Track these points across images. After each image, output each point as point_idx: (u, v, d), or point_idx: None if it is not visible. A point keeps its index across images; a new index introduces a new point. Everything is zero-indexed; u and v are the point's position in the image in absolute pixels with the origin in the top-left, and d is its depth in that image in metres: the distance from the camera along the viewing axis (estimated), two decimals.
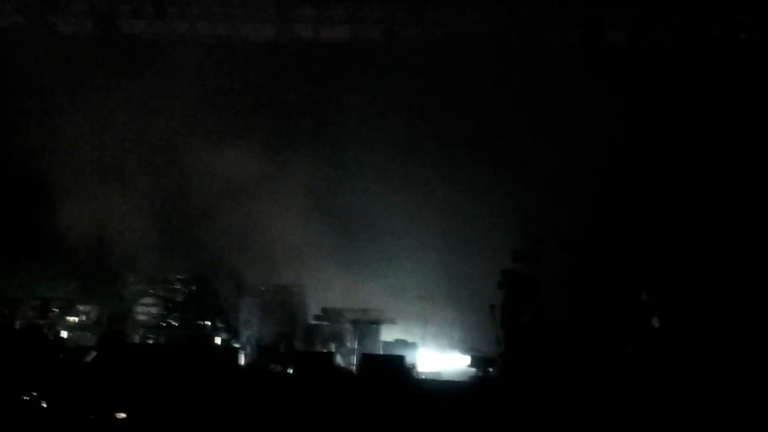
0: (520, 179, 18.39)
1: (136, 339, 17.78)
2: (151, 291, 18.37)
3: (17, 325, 17.87)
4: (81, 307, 18.46)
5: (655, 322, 16.08)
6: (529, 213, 18.07)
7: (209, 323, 18.30)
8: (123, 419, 13.44)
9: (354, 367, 15.97)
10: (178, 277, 18.56)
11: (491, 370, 15.92)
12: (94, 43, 20.63)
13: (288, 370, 15.90)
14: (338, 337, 17.20)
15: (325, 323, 17.60)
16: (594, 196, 18.18)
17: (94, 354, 15.89)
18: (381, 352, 16.95)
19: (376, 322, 17.43)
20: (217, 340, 17.59)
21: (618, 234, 17.84)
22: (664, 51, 19.28)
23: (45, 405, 13.89)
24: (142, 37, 21.17)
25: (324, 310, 17.70)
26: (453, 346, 17.72)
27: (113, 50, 20.29)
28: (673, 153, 18.32)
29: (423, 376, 16.12)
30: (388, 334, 17.71)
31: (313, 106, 20.10)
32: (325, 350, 16.83)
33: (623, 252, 17.41)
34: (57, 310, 18.28)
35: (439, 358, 17.41)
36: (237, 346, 17.27)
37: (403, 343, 17.34)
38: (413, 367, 15.97)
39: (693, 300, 16.14)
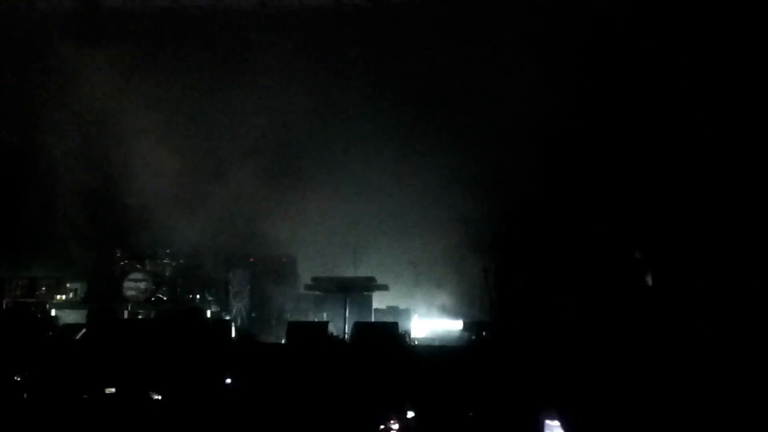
0: (510, 140, 18.15)
1: (126, 315, 17.65)
2: (138, 266, 18.23)
3: (5, 304, 17.71)
4: (69, 285, 18.34)
5: (649, 280, 16.00)
6: (520, 173, 17.87)
7: (199, 296, 18.20)
8: (114, 395, 13.31)
9: (347, 336, 15.87)
10: (166, 251, 18.42)
11: (485, 333, 15.83)
12: (74, 18, 20.21)
13: (280, 341, 15.79)
14: (330, 306, 17.10)
15: (316, 292, 17.49)
16: (586, 154, 17.97)
17: (83, 331, 15.75)
18: (373, 320, 16.88)
19: (367, 290, 17.32)
20: (208, 313, 17.46)
21: (610, 192, 17.69)
22: None
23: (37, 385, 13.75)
24: (122, 11, 20.78)
25: (314, 279, 17.57)
26: (446, 311, 17.64)
27: (94, 25, 19.93)
28: (670, 104, 17.87)
29: (416, 342, 16.06)
30: (380, 301, 17.63)
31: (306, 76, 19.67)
32: (317, 320, 16.71)
33: (616, 210, 17.29)
34: (45, 289, 18.13)
35: (432, 324, 17.33)
36: (228, 318, 17.18)
37: (395, 310, 17.30)
38: (406, 333, 15.89)
39: (687, 258, 16.04)
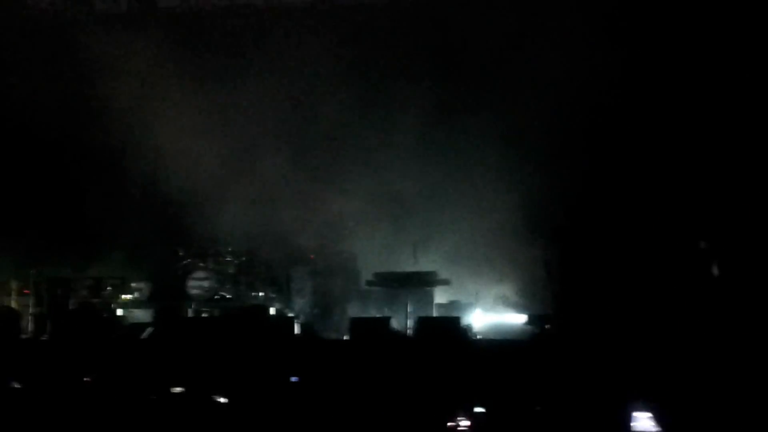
0: (572, 130, 17.94)
1: (190, 313, 17.84)
2: (201, 264, 18.40)
3: (71, 305, 17.99)
4: (134, 284, 18.58)
5: (715, 270, 15.80)
6: (583, 163, 17.69)
7: (262, 294, 18.34)
8: (181, 394, 13.47)
9: (410, 331, 15.87)
10: (228, 249, 18.58)
11: (548, 327, 15.72)
12: (131, 19, 20.45)
13: (344, 337, 15.85)
14: (392, 302, 17.08)
15: (377, 288, 17.48)
16: (650, 142, 17.71)
17: (150, 330, 15.99)
18: (435, 315, 16.85)
19: (429, 285, 17.27)
20: (272, 311, 17.56)
21: (675, 182, 17.45)
22: None
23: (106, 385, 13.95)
24: (178, 11, 20.99)
25: (376, 275, 17.57)
26: (508, 304, 17.54)
27: (151, 25, 20.14)
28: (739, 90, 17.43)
29: (479, 337, 16.02)
30: (442, 296, 17.58)
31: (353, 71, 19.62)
32: (379, 315, 16.70)
33: (680, 200, 17.07)
34: (110, 289, 18.38)
35: (495, 318, 17.25)
36: (291, 315, 17.27)
37: (457, 305, 17.25)
38: (469, 328, 15.86)
39: (754, 248, 15.80)
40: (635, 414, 11.52)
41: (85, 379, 14.06)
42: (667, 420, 11.33)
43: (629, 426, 11.58)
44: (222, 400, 13.30)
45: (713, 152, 17.37)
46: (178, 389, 13.61)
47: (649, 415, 11.43)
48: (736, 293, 14.92)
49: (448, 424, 12.47)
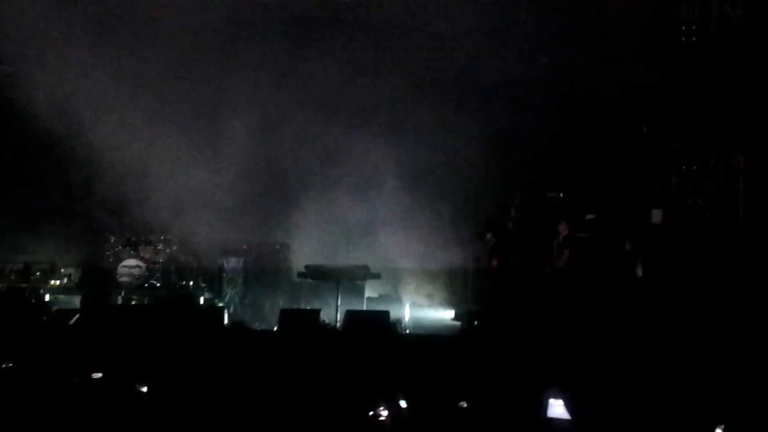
0: (504, 133, 18.12)
1: (119, 300, 17.71)
2: (133, 252, 18.29)
3: None
4: (63, 270, 18.41)
5: (639, 272, 16.09)
6: (512, 165, 17.89)
7: (192, 283, 18.26)
8: (101, 379, 13.30)
9: (339, 324, 15.90)
10: (160, 237, 18.47)
11: (476, 323, 15.88)
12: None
13: (272, 328, 15.85)
14: (322, 294, 17.10)
15: (308, 280, 17.47)
16: (577, 150, 17.98)
17: (77, 316, 15.80)
18: (365, 308, 16.91)
19: (360, 278, 17.31)
20: (201, 300, 17.50)
21: (601, 185, 17.73)
22: None
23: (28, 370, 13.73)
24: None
25: (307, 267, 17.55)
26: (437, 300, 17.70)
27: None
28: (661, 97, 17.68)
29: (408, 331, 16.09)
30: (373, 289, 17.65)
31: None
32: (309, 307, 16.73)
33: (606, 203, 17.35)
34: (39, 274, 18.20)
35: (424, 313, 17.39)
36: (221, 305, 17.24)
37: (387, 299, 17.33)
38: (398, 322, 15.91)
39: (675, 249, 16.11)
40: (550, 401, 11.66)
41: (4, 365, 13.83)
42: (578, 407, 11.52)
43: (545, 412, 11.73)
44: (143, 389, 13.17)
45: (635, 157, 17.68)
46: (97, 375, 13.44)
47: (561, 402, 11.59)
48: (654, 292, 15.25)
49: (370, 414, 12.52)
